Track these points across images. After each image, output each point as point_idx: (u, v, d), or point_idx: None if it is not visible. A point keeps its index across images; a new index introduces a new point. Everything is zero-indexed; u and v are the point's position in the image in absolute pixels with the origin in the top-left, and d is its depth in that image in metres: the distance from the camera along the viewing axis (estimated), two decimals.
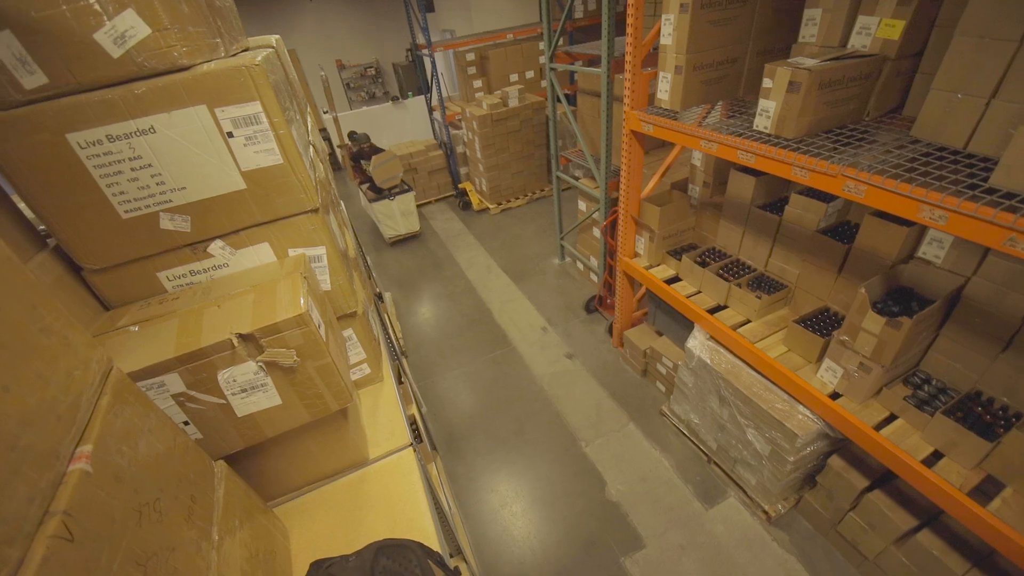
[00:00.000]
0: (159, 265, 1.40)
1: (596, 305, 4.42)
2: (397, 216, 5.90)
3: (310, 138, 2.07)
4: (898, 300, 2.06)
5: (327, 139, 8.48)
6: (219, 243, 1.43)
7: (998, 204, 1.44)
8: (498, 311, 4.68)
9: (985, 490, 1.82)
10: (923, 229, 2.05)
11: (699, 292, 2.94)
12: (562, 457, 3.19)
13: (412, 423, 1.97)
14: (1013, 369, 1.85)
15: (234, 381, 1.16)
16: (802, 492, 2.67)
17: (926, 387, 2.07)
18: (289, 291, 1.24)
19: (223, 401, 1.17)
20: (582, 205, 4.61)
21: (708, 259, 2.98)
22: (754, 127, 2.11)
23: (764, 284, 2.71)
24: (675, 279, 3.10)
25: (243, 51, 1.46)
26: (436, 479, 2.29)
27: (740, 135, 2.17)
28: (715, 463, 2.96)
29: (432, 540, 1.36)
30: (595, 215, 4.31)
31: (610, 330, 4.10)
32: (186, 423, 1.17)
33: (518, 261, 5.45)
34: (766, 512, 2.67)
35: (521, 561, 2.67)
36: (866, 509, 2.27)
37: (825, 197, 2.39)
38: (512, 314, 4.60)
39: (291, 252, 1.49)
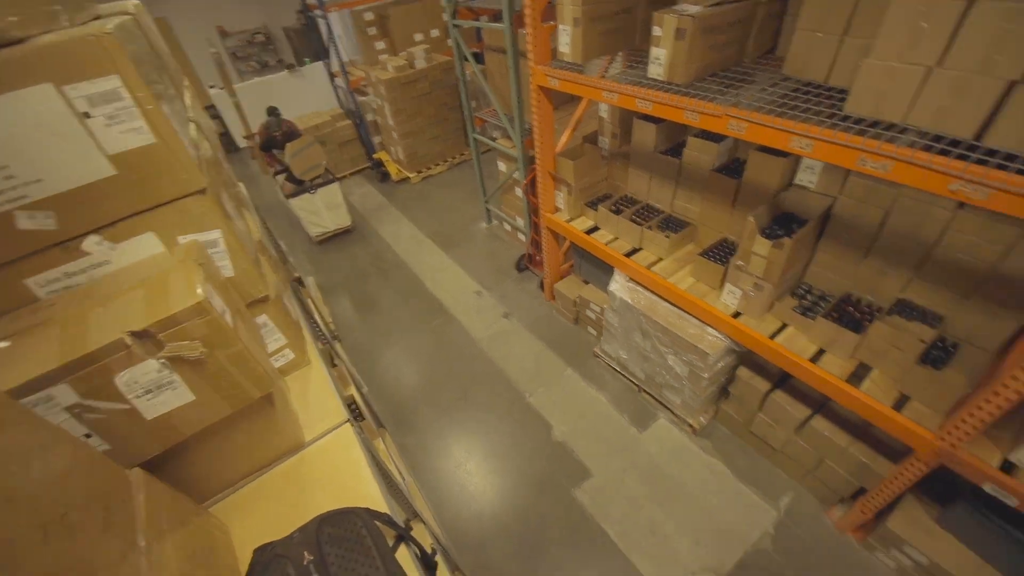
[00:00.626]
0: (25, 270, 1.25)
1: (526, 263, 4.51)
2: (322, 211, 5.22)
3: (190, 115, 1.88)
4: (782, 224, 2.30)
5: (216, 117, 7.69)
6: (94, 238, 1.29)
7: (849, 129, 1.63)
8: (431, 281, 4.64)
9: (859, 374, 2.15)
10: (798, 159, 2.27)
11: (616, 238, 3.09)
12: (508, 412, 3.32)
13: (351, 403, 1.95)
14: (874, 272, 2.16)
15: (136, 383, 1.09)
16: (719, 403, 2.99)
17: (809, 296, 2.36)
18: (183, 280, 1.16)
19: (127, 406, 1.10)
20: (502, 166, 4.60)
21: (621, 206, 3.13)
22: (649, 75, 2.20)
23: (671, 224, 2.91)
24: (594, 229, 3.23)
25: (93, 20, 1.28)
26: (384, 453, 2.31)
27: (638, 84, 2.25)
28: (645, 391, 3.22)
29: (381, 506, 1.40)
30: (515, 175, 4.33)
31: (541, 285, 4.22)
32: (88, 435, 1.09)
33: (445, 229, 5.39)
34: (691, 426, 2.98)
35: (480, 514, 2.80)
36: (771, 408, 2.60)
37: (717, 138, 2.57)
38: (445, 283, 4.59)
39: (181, 240, 1.38)
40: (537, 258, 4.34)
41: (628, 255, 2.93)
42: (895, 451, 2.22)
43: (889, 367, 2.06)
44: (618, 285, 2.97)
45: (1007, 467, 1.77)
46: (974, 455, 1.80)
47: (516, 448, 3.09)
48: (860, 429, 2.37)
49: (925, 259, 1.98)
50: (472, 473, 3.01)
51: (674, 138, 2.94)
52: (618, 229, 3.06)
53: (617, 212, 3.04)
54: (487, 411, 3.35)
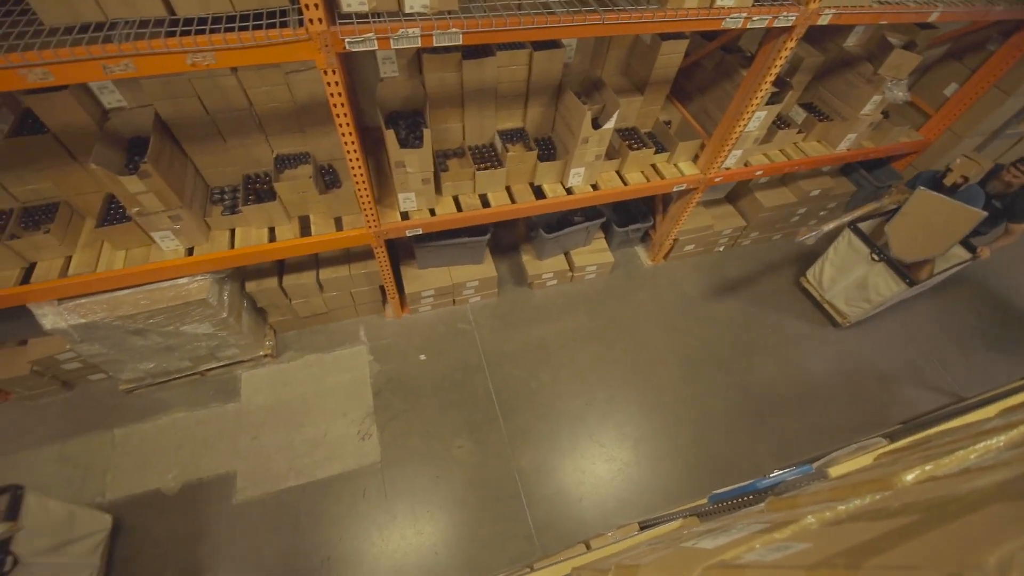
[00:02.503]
0: None
1: None
2: None
3: None
4: (139, 151, 2.16)
5: None
6: None
7: (78, 41, 1.52)
8: None
9: (305, 225, 2.58)
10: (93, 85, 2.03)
11: None
12: None
13: None
14: (240, 147, 2.41)
15: None
16: (267, 321, 3.13)
17: (225, 195, 2.50)
18: None
19: None
20: None
21: None
22: None
23: (29, 219, 2.29)
24: None
25: None
26: None
27: None
28: (204, 371, 2.98)
29: None
30: None
31: None
32: None
33: None
34: (266, 355, 3.07)
35: None
36: (292, 292, 2.91)
37: None
38: None
39: None
40: None
41: (25, 281, 2.22)
42: (368, 253, 2.95)
43: (312, 207, 2.54)
44: (53, 317, 2.31)
45: (404, 216, 2.66)
46: (391, 223, 2.61)
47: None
48: (343, 256, 2.99)
49: (261, 123, 2.33)
50: None
51: None
52: None
53: None
54: None
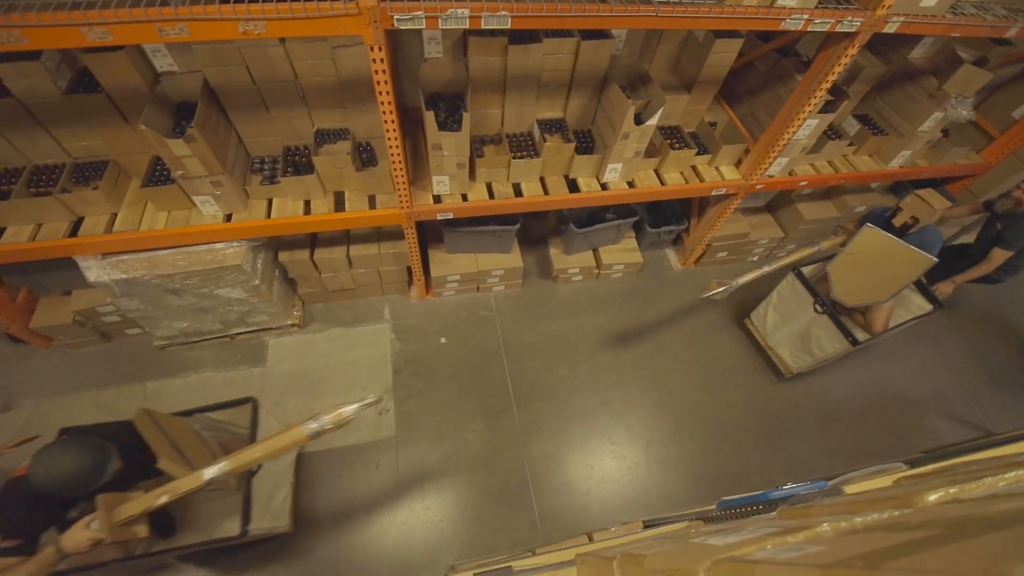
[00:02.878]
0: None
1: None
2: None
3: None
4: (186, 116, 2.24)
5: None
6: None
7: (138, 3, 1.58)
8: None
9: (340, 201, 2.63)
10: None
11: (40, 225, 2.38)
12: None
13: None
14: (283, 120, 2.47)
15: None
16: (296, 292, 3.22)
17: (265, 166, 2.57)
18: None
19: None
20: None
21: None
22: None
23: (81, 175, 2.41)
24: None
25: None
26: None
27: None
28: (236, 334, 3.10)
29: None
30: None
31: None
32: None
33: None
34: (293, 324, 3.16)
35: None
36: (323, 265, 2.98)
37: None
38: None
39: None
40: None
41: (73, 234, 2.35)
42: (399, 233, 2.99)
43: (348, 183, 2.59)
44: (97, 271, 2.43)
45: (437, 199, 2.68)
46: (423, 205, 2.63)
47: None
48: (374, 235, 3.04)
49: (304, 96, 2.37)
50: None
51: None
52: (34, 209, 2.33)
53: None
54: None
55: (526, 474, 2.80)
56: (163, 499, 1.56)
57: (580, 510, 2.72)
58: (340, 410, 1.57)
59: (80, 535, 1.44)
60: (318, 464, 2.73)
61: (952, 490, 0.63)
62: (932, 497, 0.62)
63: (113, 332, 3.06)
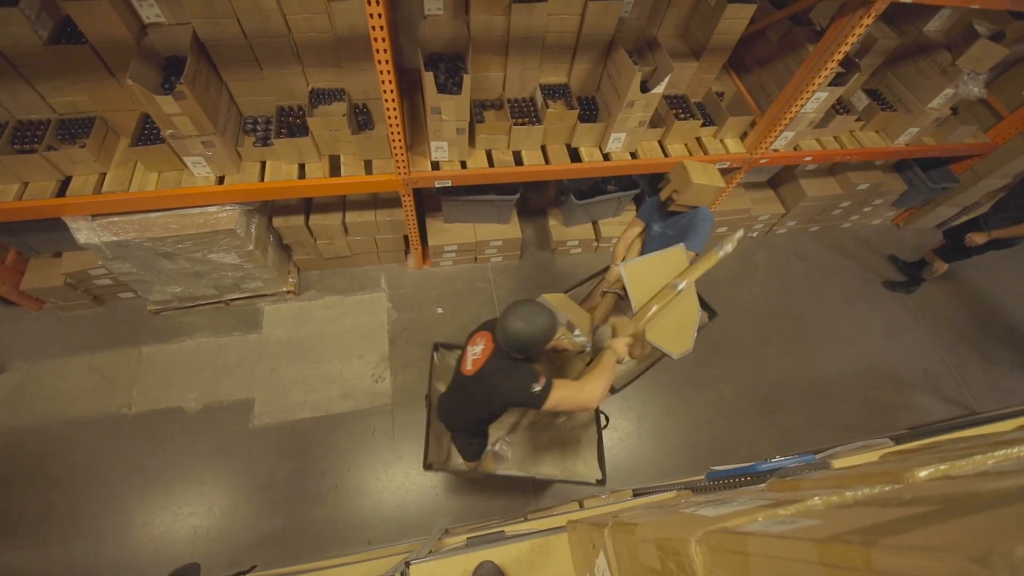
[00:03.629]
0: None
1: None
2: None
3: None
4: (175, 72, 2.15)
5: None
6: None
7: None
8: None
9: (335, 165, 2.57)
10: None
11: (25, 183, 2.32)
12: None
13: None
14: (276, 76, 2.38)
15: None
16: (292, 258, 3.18)
17: (257, 126, 2.49)
18: None
19: None
20: None
21: None
22: None
23: (66, 132, 2.33)
24: None
25: None
26: None
27: None
28: (228, 301, 3.08)
29: None
30: None
31: None
32: None
33: None
34: (288, 291, 3.14)
35: None
36: (318, 232, 2.94)
37: None
38: None
39: None
40: None
41: (60, 194, 2.29)
42: (396, 200, 2.94)
43: (343, 146, 2.52)
44: (87, 232, 2.38)
45: (435, 166, 2.62)
46: (420, 172, 2.58)
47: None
48: (370, 201, 2.99)
49: (298, 53, 2.28)
50: None
51: None
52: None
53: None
54: None
55: None
56: (653, 310, 1.77)
57: None
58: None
59: (621, 343, 1.71)
60: (312, 429, 2.76)
61: (942, 467, 0.64)
62: (922, 473, 0.63)
63: (106, 295, 3.04)
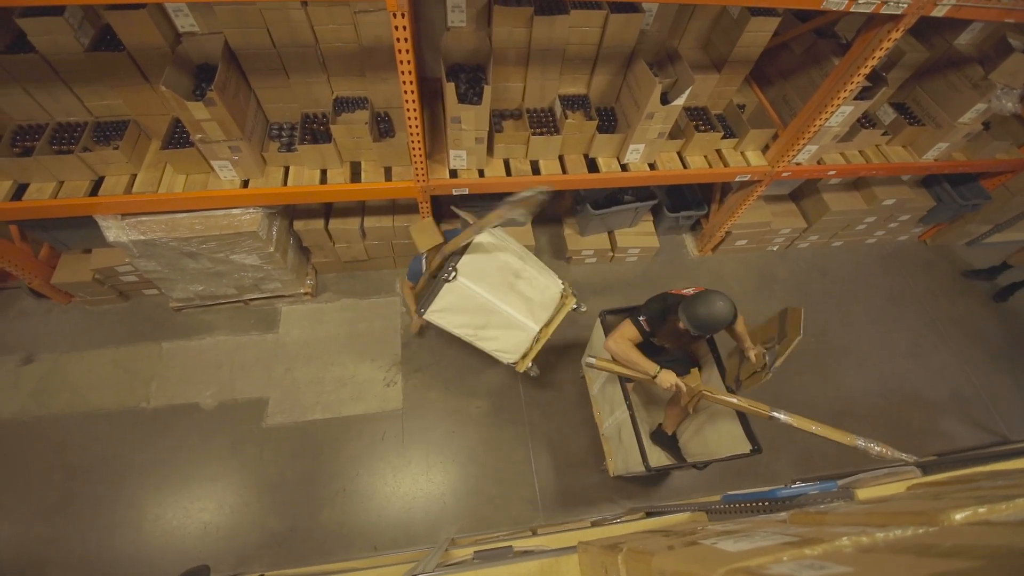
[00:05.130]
0: None
1: None
2: None
3: None
4: (207, 79, 2.21)
5: None
6: None
7: None
8: None
9: (356, 171, 2.60)
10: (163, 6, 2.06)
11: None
12: None
13: None
14: (301, 84, 2.42)
15: None
16: (310, 261, 3.23)
17: (283, 132, 2.53)
18: None
19: None
20: None
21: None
22: None
23: (103, 135, 2.40)
24: None
25: None
26: None
27: None
28: (248, 300, 3.13)
29: None
30: None
31: None
32: None
33: None
34: (306, 293, 3.18)
35: None
36: (337, 236, 2.97)
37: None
38: None
39: None
40: None
41: (93, 193, 2.36)
42: (414, 206, 2.96)
43: (364, 153, 2.55)
44: (116, 231, 2.45)
45: (453, 174, 2.63)
46: (438, 180, 2.59)
47: None
48: (388, 207, 3.01)
49: (324, 62, 2.32)
50: None
51: None
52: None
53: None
54: None
55: (529, 452, 2.84)
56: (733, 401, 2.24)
57: (580, 492, 2.75)
58: None
59: (670, 378, 2.02)
60: (323, 431, 2.78)
61: (981, 510, 0.61)
62: (959, 516, 0.60)
63: (131, 292, 3.11)
